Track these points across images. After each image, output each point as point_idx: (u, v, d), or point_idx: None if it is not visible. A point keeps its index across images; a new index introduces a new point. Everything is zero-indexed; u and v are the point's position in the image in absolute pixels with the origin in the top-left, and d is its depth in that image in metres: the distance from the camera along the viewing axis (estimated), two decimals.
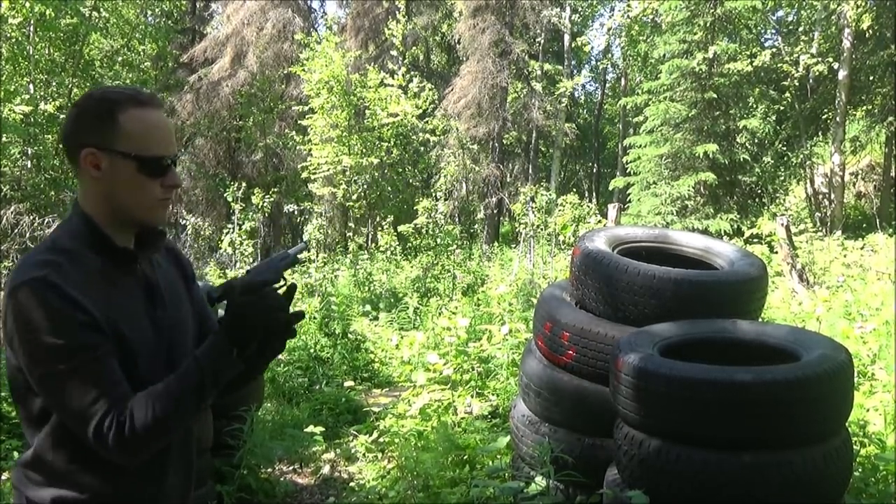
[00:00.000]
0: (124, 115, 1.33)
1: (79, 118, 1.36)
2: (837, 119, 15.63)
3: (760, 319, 3.27)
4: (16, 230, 8.16)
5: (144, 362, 1.33)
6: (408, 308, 8.47)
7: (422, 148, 15.73)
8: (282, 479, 4.19)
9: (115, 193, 1.35)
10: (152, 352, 1.35)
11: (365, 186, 13.53)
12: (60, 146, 1.39)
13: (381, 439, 4.45)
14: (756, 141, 15.21)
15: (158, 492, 1.40)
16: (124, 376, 1.29)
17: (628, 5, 17.87)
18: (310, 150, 13.59)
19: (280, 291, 1.38)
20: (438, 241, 10.73)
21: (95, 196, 1.36)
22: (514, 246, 14.13)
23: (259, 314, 1.32)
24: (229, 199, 10.44)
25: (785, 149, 17.54)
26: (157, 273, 1.45)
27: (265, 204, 10.30)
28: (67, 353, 1.23)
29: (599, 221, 10.97)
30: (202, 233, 14.47)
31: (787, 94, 16.74)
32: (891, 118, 15.25)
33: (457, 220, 16.88)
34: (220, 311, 1.55)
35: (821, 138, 17.52)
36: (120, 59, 16.06)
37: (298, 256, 1.48)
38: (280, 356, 6.22)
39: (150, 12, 17.17)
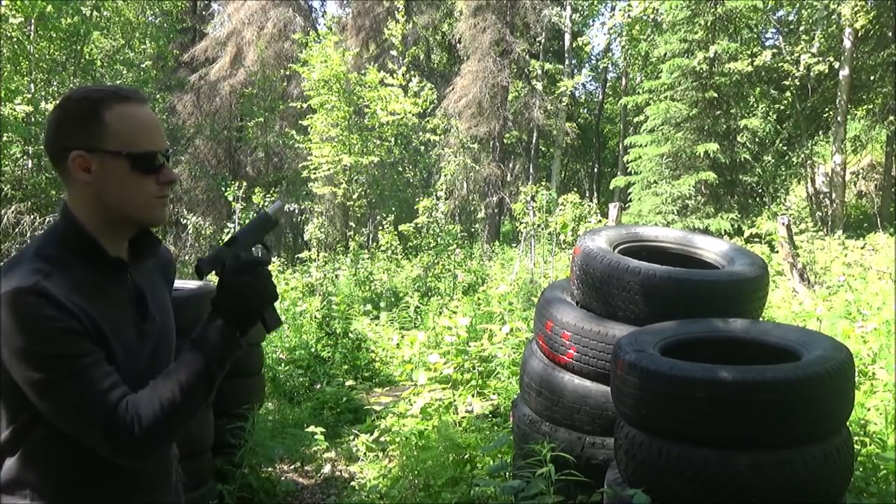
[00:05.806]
0: (109, 113, 1.28)
1: (61, 122, 1.29)
2: (838, 118, 15.62)
3: (761, 319, 3.27)
4: (16, 229, 8.17)
5: (126, 373, 1.26)
6: (408, 307, 8.46)
7: (422, 147, 15.73)
8: (283, 478, 4.20)
9: (107, 195, 1.30)
10: (134, 364, 1.30)
11: (365, 186, 13.53)
12: (47, 154, 1.35)
13: (381, 438, 4.46)
14: (757, 140, 15.22)
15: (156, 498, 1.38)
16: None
17: (629, 4, 17.85)
18: (310, 149, 13.59)
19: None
20: (439, 240, 10.74)
21: (86, 200, 1.30)
22: (514, 245, 14.14)
23: (257, 295, 1.32)
24: (230, 198, 10.44)
25: (786, 148, 17.55)
26: (146, 282, 1.40)
27: (266, 203, 10.30)
28: (63, 360, 1.18)
29: (600, 221, 10.97)
30: (203, 232, 14.50)
31: (788, 94, 16.75)
32: (892, 117, 15.25)
33: (457, 219, 16.88)
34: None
35: (821, 137, 17.53)
36: (121, 58, 16.06)
37: (276, 217, 1.46)
38: (282, 355, 6.25)
39: (150, 12, 17.17)
